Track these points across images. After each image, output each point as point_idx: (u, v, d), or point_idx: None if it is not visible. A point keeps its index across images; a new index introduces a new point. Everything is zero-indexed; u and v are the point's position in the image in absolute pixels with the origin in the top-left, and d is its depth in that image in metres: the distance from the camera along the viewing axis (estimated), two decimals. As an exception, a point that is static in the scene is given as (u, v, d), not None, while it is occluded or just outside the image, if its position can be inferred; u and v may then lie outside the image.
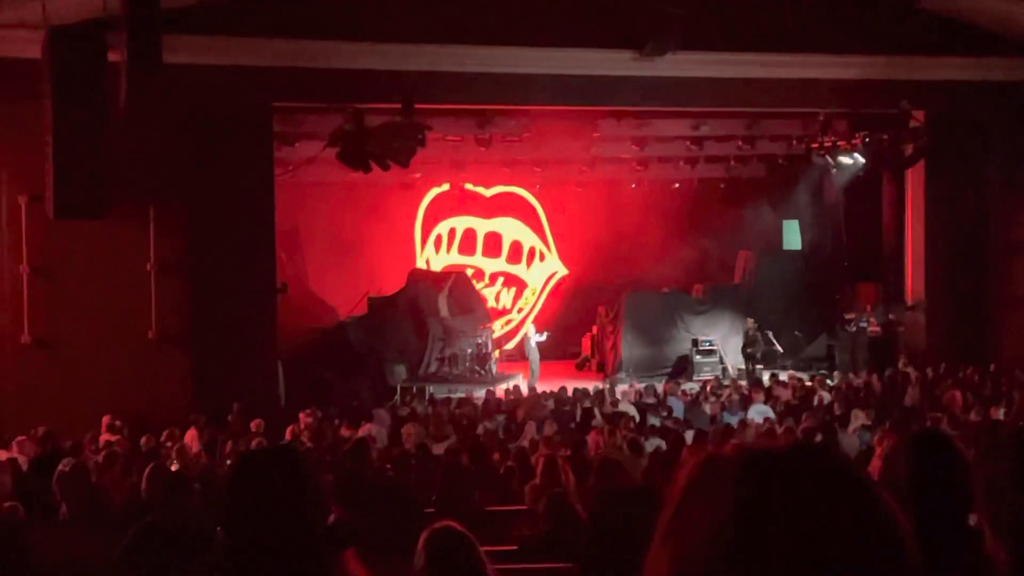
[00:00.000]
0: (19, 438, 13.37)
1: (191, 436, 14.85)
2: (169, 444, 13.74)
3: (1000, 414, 15.31)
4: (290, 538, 2.41)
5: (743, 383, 21.65)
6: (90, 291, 18.72)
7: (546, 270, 32.31)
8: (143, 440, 13.83)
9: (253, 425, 15.09)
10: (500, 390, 21.38)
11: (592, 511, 3.85)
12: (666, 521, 1.27)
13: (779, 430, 14.47)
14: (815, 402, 18.46)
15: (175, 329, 19.07)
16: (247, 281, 19.61)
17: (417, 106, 19.95)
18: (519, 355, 29.72)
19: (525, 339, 25.56)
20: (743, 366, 24.72)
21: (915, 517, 2.78)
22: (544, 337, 26.23)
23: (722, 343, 25.41)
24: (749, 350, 24.68)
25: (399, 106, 19.80)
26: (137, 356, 18.73)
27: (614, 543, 3.30)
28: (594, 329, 28.45)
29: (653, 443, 12.99)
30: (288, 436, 14.56)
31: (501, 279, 32.05)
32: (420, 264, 30.48)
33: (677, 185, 30.15)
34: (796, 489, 1.20)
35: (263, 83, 19.35)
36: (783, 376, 22.62)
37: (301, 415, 16.41)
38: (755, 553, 1.16)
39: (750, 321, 25.04)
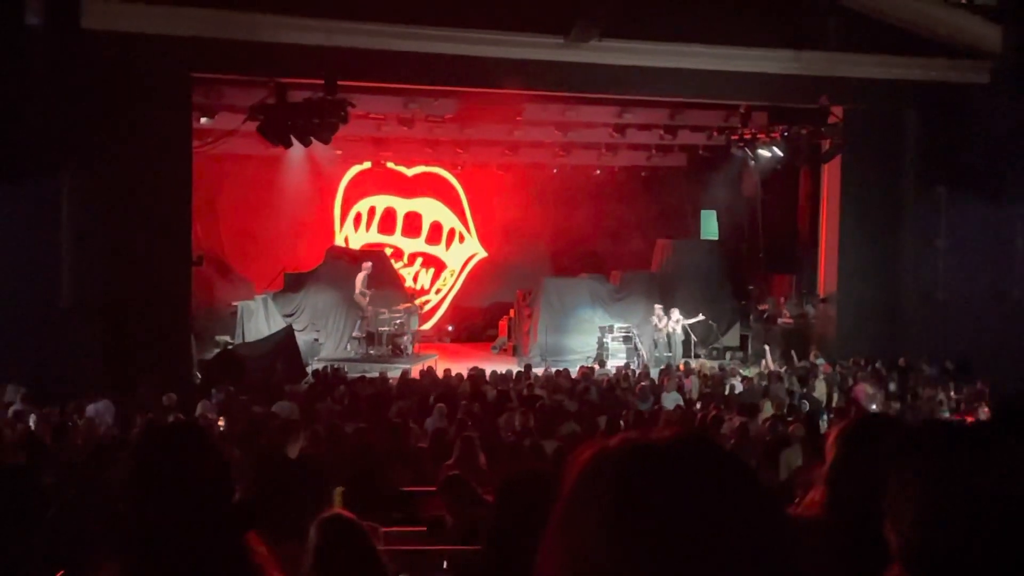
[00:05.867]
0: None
1: (100, 408, 14.58)
2: (76, 416, 13.51)
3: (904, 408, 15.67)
4: (193, 516, 2.38)
5: (656, 369, 21.82)
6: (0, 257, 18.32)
7: (465, 252, 32.29)
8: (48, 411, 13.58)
9: (166, 399, 14.86)
10: (416, 370, 21.34)
11: (499, 494, 3.84)
12: (558, 514, 1.27)
13: (695, 416, 14.65)
14: (726, 391, 18.71)
15: (87, 299, 18.69)
16: (162, 253, 19.35)
17: (340, 83, 19.80)
18: (435, 336, 29.72)
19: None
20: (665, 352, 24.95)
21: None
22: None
23: (638, 330, 25.55)
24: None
25: (322, 82, 19.63)
26: (47, 325, 18.30)
27: (519, 528, 3.30)
28: (511, 312, 28.50)
29: (568, 427, 13.09)
30: (199, 412, 14.39)
31: (420, 259, 31.96)
32: (339, 242, 30.28)
33: (598, 172, 30.32)
34: (676, 481, 1.21)
35: (183, 53, 19.02)
36: (695, 364, 22.87)
37: (213, 390, 16.24)
38: (635, 546, 1.17)
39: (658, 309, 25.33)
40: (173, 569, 2.33)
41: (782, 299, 26.20)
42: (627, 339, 25.36)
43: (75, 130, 18.23)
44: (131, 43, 18.46)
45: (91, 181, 18.68)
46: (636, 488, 1.20)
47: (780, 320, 25.33)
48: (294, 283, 26.38)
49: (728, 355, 25.85)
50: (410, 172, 31.30)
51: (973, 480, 2.01)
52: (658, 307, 25.38)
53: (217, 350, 21.53)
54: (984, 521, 1.96)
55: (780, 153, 23.29)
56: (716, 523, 1.18)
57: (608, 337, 25.40)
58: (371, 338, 25.25)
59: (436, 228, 31.99)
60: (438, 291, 32.03)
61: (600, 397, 17.62)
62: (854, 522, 2.71)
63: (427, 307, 31.19)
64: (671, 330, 25.14)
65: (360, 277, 25.22)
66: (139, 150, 18.74)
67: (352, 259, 26.90)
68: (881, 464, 2.20)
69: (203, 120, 22.03)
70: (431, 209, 31.85)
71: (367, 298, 25.10)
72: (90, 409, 14.11)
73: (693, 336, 25.40)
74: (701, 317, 25.35)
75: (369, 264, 25.66)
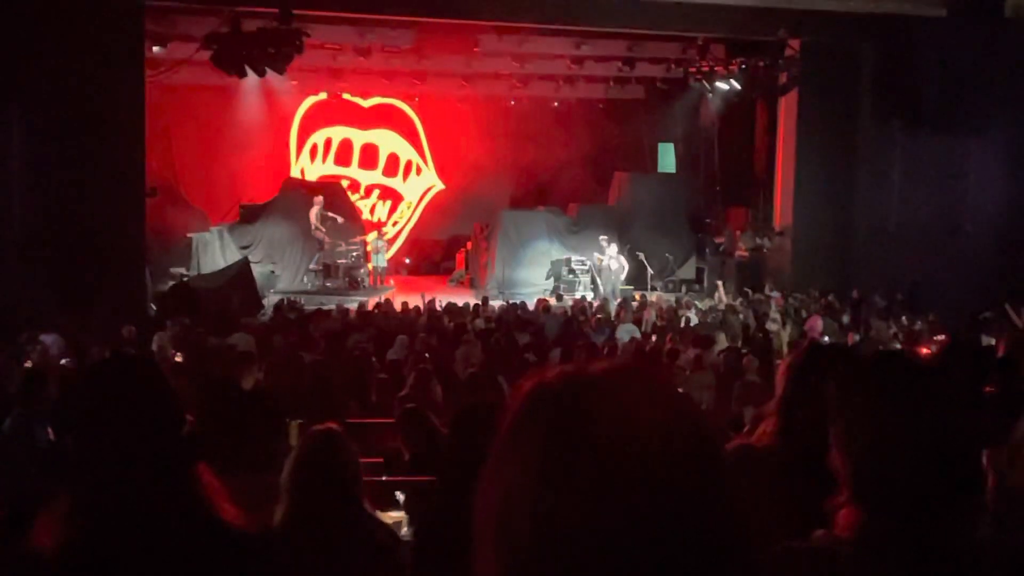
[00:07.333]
0: None
1: (52, 340, 14.47)
2: (28, 348, 13.40)
3: (856, 339, 15.86)
4: (141, 449, 2.38)
5: (613, 302, 21.91)
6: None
7: (422, 184, 32.14)
8: None
9: (125, 332, 14.77)
10: (372, 302, 21.31)
11: (452, 427, 3.88)
12: (495, 450, 1.23)
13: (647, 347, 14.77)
14: (681, 323, 18.83)
15: (40, 232, 18.45)
16: (115, 184, 19.10)
17: (295, 12, 19.53)
18: (393, 269, 29.63)
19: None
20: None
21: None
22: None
23: (594, 263, 25.57)
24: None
25: (276, 11, 19.35)
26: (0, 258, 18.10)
27: (472, 459, 3.33)
28: (468, 245, 28.48)
29: (524, 360, 13.15)
30: (155, 344, 14.32)
31: (377, 191, 31.80)
32: (295, 173, 30.05)
33: (556, 104, 30.19)
34: (609, 415, 1.17)
35: (135, -20, 18.70)
36: (652, 297, 22.97)
37: (169, 323, 16.15)
38: (563, 482, 1.14)
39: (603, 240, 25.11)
40: (121, 501, 2.33)
41: (738, 232, 26.30)
42: (584, 272, 25.40)
43: (26, 60, 17.90)
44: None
45: (43, 111, 18.36)
46: (567, 424, 1.17)
47: (736, 253, 25.44)
48: (250, 215, 26.20)
49: (684, 288, 25.97)
50: (366, 103, 31.03)
51: (922, 412, 2.06)
52: (602, 239, 25.21)
53: (172, 282, 21.38)
54: (931, 451, 2.02)
55: (737, 86, 23.27)
56: (650, 458, 1.14)
57: (565, 270, 25.44)
58: (328, 270, 25.19)
59: (393, 160, 31.80)
60: (395, 223, 31.91)
61: (556, 329, 17.69)
62: (805, 450, 2.77)
63: (383, 239, 31.13)
64: (607, 264, 24.87)
65: (313, 212, 25.09)
66: (91, 80, 18.41)
67: (309, 191, 26.73)
68: (830, 393, 2.25)
69: (155, 49, 21.71)
70: (388, 141, 31.63)
71: (324, 232, 25.00)
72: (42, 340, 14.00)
73: (650, 269, 25.44)
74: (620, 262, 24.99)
75: (320, 198, 25.49)
